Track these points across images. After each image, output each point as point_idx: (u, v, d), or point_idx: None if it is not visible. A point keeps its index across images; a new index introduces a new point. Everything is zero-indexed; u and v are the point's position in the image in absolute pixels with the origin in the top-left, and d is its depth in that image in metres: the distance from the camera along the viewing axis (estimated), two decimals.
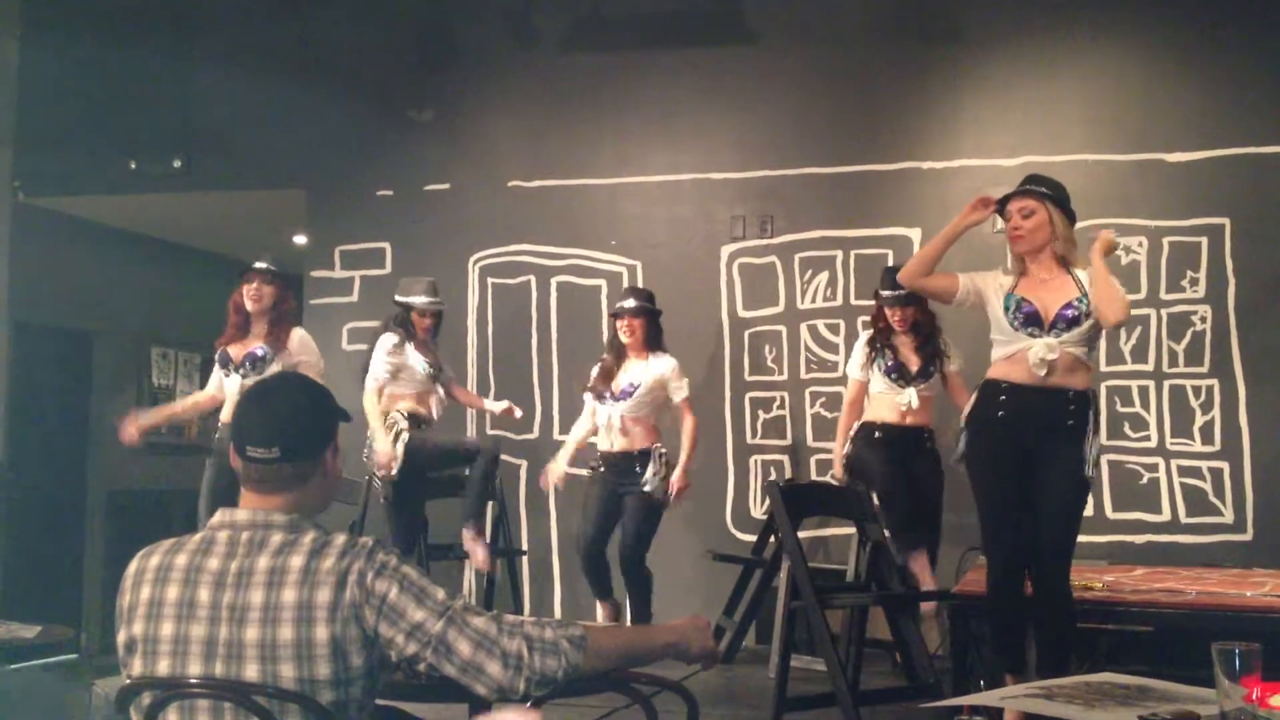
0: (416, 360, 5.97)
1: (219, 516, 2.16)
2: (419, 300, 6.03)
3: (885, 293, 5.79)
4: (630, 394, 5.89)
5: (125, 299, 8.55)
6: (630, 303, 6.03)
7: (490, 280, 7.14)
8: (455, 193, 7.28)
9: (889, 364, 5.87)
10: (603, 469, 5.97)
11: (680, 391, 5.96)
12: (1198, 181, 6.32)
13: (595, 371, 6.11)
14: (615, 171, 7.08)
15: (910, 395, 5.78)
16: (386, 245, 7.30)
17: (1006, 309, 4.19)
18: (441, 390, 6.15)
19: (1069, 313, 4.12)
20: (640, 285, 6.81)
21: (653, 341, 6.00)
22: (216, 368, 6.01)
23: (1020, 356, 4.13)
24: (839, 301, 6.71)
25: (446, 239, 7.15)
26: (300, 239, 7.90)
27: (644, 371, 5.93)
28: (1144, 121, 6.45)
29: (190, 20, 7.65)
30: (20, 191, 7.85)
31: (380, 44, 7.41)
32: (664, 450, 5.89)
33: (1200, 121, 6.36)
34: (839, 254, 6.73)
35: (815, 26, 6.93)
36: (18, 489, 7.80)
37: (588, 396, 6.11)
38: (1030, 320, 4.13)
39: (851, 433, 5.91)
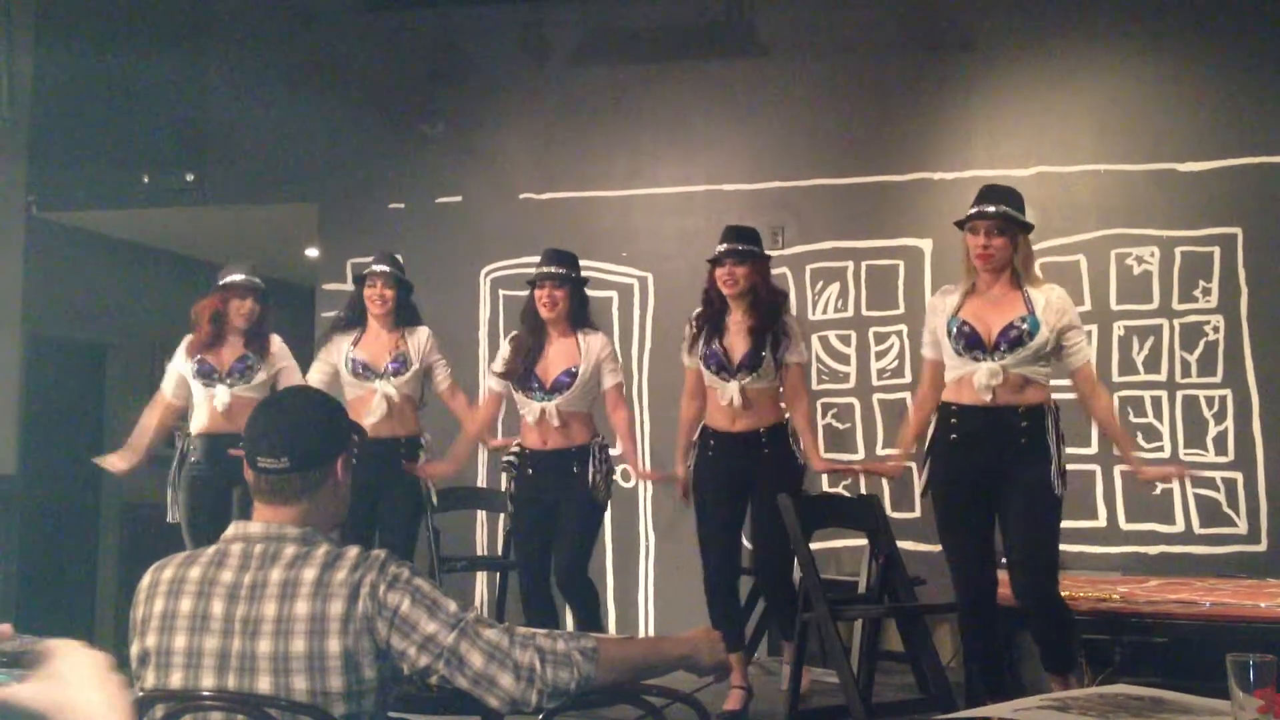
0: (342, 352, 5.35)
1: (232, 529, 2.17)
2: (368, 270, 5.45)
3: (720, 247, 4.92)
4: (567, 385, 4.98)
5: (138, 312, 8.58)
6: (551, 268, 5.09)
7: (502, 292, 7.14)
8: (467, 205, 7.29)
9: (708, 350, 4.87)
10: (530, 471, 5.05)
11: (612, 376, 5.08)
12: (1210, 191, 6.31)
13: (506, 351, 5.14)
14: (626, 184, 7.08)
15: (734, 391, 4.80)
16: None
17: (949, 333, 4.16)
18: (395, 393, 5.31)
19: (1011, 333, 4.09)
20: (652, 294, 6.79)
21: (578, 317, 5.13)
22: (186, 376, 5.61)
23: (967, 380, 4.13)
24: (850, 313, 6.70)
25: (458, 252, 7.16)
26: (312, 252, 7.92)
27: (578, 355, 5.03)
28: (1156, 131, 6.45)
29: (203, 35, 7.69)
30: (34, 205, 7.89)
31: (391, 58, 7.43)
32: (604, 442, 5.13)
33: (1212, 131, 6.36)
34: (850, 265, 6.73)
35: (826, 38, 6.94)
36: (31, 501, 7.82)
37: (495, 384, 5.16)
38: (972, 344, 4.11)
39: (694, 437, 5.01)
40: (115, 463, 5.73)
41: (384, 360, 5.34)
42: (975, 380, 4.09)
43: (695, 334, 4.96)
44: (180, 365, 5.69)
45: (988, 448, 4.11)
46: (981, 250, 4.15)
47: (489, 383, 5.21)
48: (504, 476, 5.24)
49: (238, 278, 5.68)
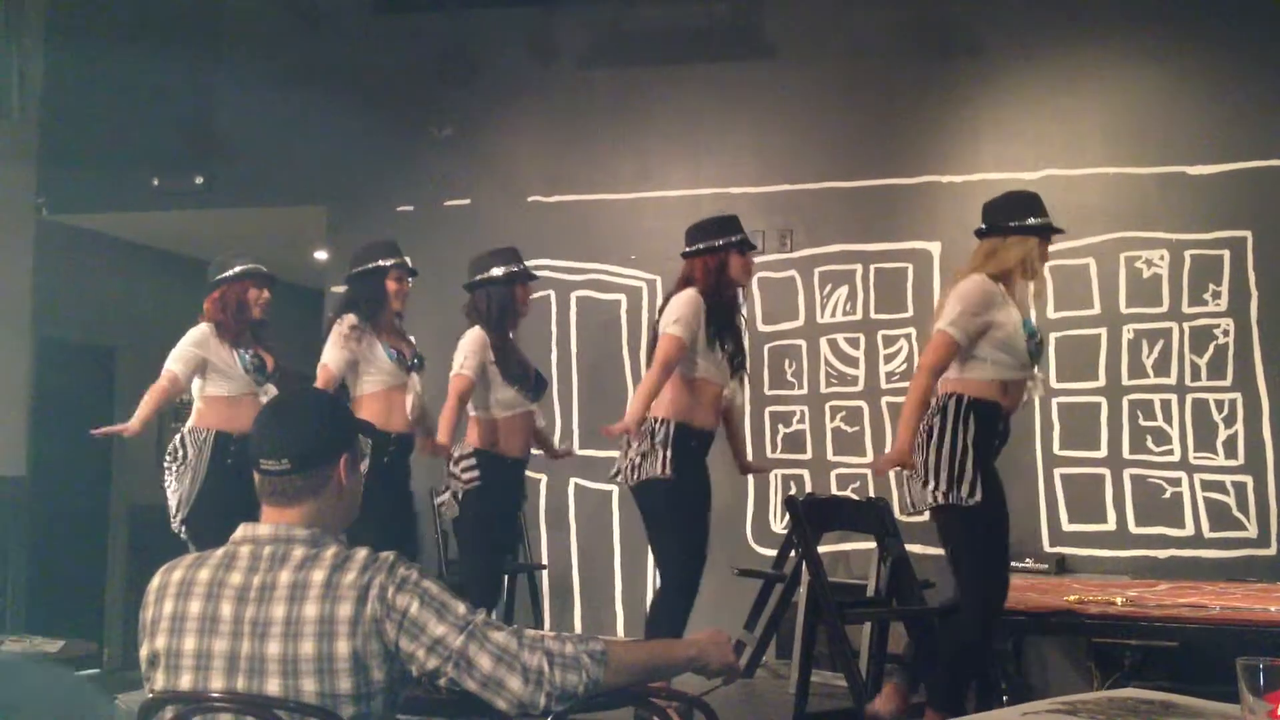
0: (378, 346, 4.99)
1: (241, 531, 2.17)
2: (391, 261, 5.12)
3: (733, 237, 4.68)
4: (545, 387, 5.01)
5: (148, 314, 8.59)
6: (524, 265, 5.02)
7: None
8: (475, 208, 7.30)
9: (730, 346, 4.51)
10: (502, 479, 4.89)
11: None
12: (1219, 194, 6.30)
13: (487, 349, 4.80)
14: (635, 186, 7.09)
15: (737, 388, 4.62)
16: (406, 261, 7.30)
17: (1031, 336, 4.01)
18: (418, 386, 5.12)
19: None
20: (660, 297, 6.78)
21: None
22: (221, 365, 5.33)
23: (1019, 385, 4.03)
24: (859, 316, 6.70)
25: (466, 254, 7.13)
26: (321, 254, 7.94)
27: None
28: (1165, 134, 6.43)
29: (212, 38, 7.70)
30: (44, 208, 7.92)
31: (400, 60, 7.45)
32: None
33: (1222, 134, 6.34)
34: (859, 268, 6.72)
35: (834, 40, 6.94)
36: (41, 503, 7.84)
37: (473, 373, 4.75)
38: (1042, 352, 4.10)
39: (664, 434, 4.47)
40: (124, 426, 5.34)
41: (410, 354, 5.16)
42: (1031, 389, 4.07)
43: (708, 321, 4.54)
44: (211, 353, 5.33)
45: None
46: (1045, 262, 4.13)
47: (464, 372, 4.82)
48: (460, 487, 4.81)
49: (251, 266, 5.46)
